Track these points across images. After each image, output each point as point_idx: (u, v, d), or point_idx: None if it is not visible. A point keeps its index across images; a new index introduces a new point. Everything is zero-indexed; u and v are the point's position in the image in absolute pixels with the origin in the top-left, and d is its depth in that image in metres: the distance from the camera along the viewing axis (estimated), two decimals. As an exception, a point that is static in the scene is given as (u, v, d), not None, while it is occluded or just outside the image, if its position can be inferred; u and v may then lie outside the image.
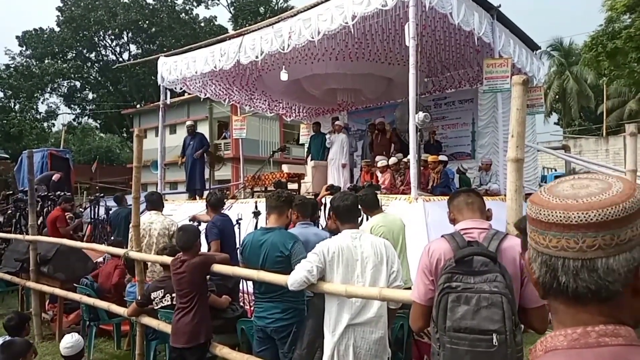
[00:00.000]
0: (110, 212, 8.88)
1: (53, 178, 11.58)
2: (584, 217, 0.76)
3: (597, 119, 30.85)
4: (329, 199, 4.96)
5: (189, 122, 11.30)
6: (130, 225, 4.68)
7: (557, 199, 0.80)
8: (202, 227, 5.32)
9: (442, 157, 9.21)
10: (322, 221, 5.32)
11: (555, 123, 36.15)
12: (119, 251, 4.96)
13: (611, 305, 0.78)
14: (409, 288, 2.74)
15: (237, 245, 5.40)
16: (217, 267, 3.90)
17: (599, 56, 15.87)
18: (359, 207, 4.13)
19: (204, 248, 4.67)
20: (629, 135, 4.81)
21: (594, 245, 0.76)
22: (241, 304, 5.28)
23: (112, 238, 7.04)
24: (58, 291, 5.91)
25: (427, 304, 2.25)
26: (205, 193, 10.36)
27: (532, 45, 10.38)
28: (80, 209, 10.80)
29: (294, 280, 3.06)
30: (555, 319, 0.83)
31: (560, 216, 0.78)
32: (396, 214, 4.75)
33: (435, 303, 2.14)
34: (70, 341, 3.92)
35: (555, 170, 17.71)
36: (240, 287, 5.35)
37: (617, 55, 15.79)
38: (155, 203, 5.60)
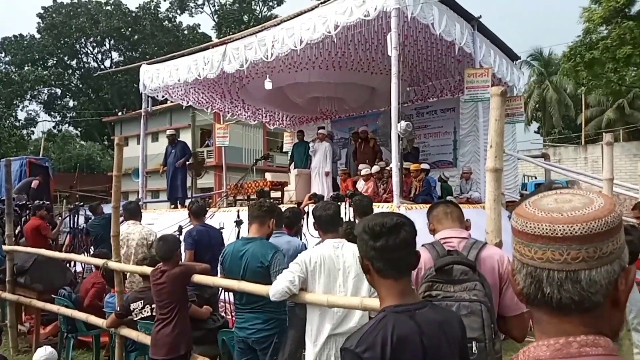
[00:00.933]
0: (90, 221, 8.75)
1: (32, 185, 11.38)
2: (569, 230, 0.79)
3: (577, 128, 31.39)
4: (311, 207, 4.96)
5: (169, 131, 11.20)
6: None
7: (542, 212, 0.83)
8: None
9: (424, 166, 9.28)
10: (305, 229, 5.30)
11: (535, 131, 36.71)
12: (98, 261, 4.88)
13: (592, 316, 0.80)
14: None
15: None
16: (198, 278, 3.86)
17: (578, 66, 16.23)
18: (353, 210, 4.16)
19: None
20: (606, 145, 4.90)
21: (578, 258, 0.78)
22: (222, 314, 5.23)
23: (98, 250, 6.89)
24: (35, 302, 5.79)
25: None
26: (187, 202, 10.29)
27: (512, 55, 10.55)
28: (59, 218, 10.61)
29: (275, 290, 3.04)
30: (537, 329, 0.85)
31: (546, 229, 0.80)
32: None
33: None
34: (44, 354, 3.83)
35: (536, 178, 17.95)
36: (223, 297, 5.31)
37: (594, 66, 16.16)
38: (133, 212, 5.52)
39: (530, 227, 0.82)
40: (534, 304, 0.84)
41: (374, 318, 1.60)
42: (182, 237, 5.54)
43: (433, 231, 2.52)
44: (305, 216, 5.42)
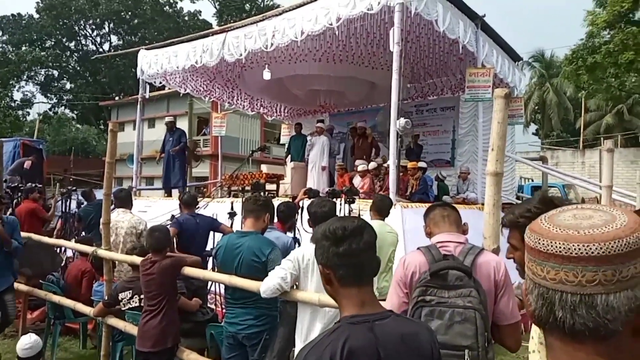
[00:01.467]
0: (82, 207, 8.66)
1: (25, 166, 11.27)
2: (585, 249, 0.72)
3: (575, 132, 31.41)
4: (306, 202, 4.90)
5: (168, 118, 11.06)
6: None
7: (557, 228, 0.76)
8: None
9: (422, 164, 9.23)
10: (299, 225, 5.24)
11: (533, 134, 36.71)
12: (87, 249, 4.81)
13: (609, 345, 0.73)
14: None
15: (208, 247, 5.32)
16: (189, 270, 3.80)
17: (579, 70, 16.18)
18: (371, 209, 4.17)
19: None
20: (606, 152, 4.85)
21: (594, 281, 0.72)
22: (212, 306, 5.18)
23: (82, 236, 6.83)
24: (23, 287, 5.71)
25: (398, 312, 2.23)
26: (186, 189, 10.23)
27: (514, 56, 10.48)
28: (52, 201, 10.52)
29: (266, 287, 2.98)
30: (550, 355, 0.79)
31: (560, 247, 0.74)
32: (394, 228, 4.68)
33: (409, 316, 2.11)
34: (28, 342, 3.76)
35: (533, 180, 17.93)
36: (213, 289, 5.25)
37: (596, 70, 16.11)
38: (124, 200, 5.44)
39: (543, 244, 0.76)
40: (546, 328, 0.78)
41: (328, 328, 1.51)
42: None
43: (429, 234, 2.46)
44: (300, 211, 5.36)
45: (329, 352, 1.38)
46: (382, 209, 4.63)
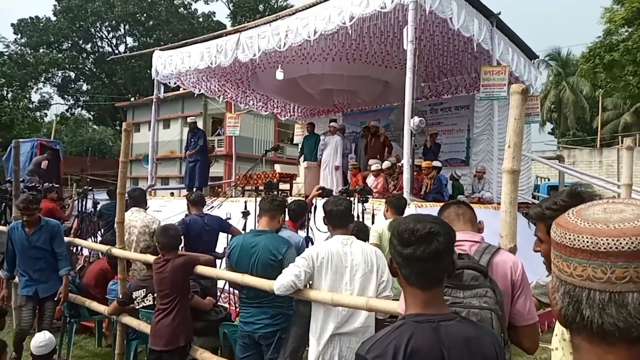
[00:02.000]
0: (99, 205, 8.75)
1: (42, 165, 11.42)
2: (615, 244, 0.68)
3: (592, 131, 30.96)
4: (319, 201, 4.87)
5: (190, 119, 10.97)
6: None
7: (585, 222, 0.72)
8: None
9: (436, 163, 9.15)
10: (312, 224, 5.22)
11: (549, 133, 36.27)
12: (102, 247, 4.84)
13: None
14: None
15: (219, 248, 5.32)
16: (202, 269, 3.80)
17: (596, 68, 15.95)
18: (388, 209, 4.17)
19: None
20: (626, 149, 4.75)
21: (625, 277, 0.67)
22: (226, 305, 5.18)
23: (105, 237, 6.85)
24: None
25: None
26: (204, 190, 10.28)
27: (530, 54, 10.35)
28: (68, 201, 10.64)
29: (280, 284, 2.96)
30: (577, 356, 0.75)
31: (587, 241, 0.70)
32: None
33: None
34: (42, 340, 3.79)
35: (549, 180, 17.71)
36: (228, 288, 5.25)
37: (613, 68, 15.87)
38: (138, 199, 5.46)
39: (570, 238, 0.72)
40: (573, 328, 0.74)
41: (392, 324, 1.50)
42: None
43: None
44: (313, 209, 5.34)
45: (392, 348, 1.37)
46: (400, 208, 4.63)
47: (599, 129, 27.31)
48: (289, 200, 4.91)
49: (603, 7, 16.22)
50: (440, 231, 1.48)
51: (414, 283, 1.48)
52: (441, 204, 3.85)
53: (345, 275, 2.95)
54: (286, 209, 4.04)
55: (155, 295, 3.98)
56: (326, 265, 2.96)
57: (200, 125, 18.93)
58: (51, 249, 4.66)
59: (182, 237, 3.98)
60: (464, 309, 2.03)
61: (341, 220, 3.17)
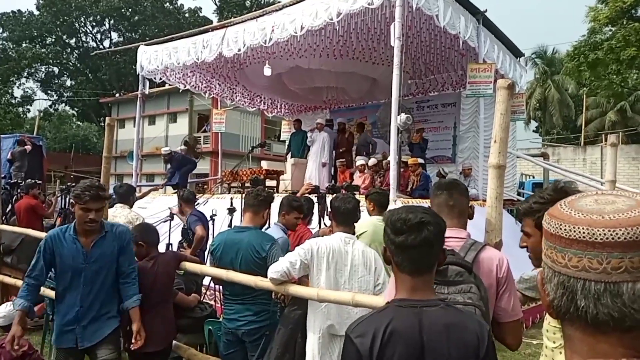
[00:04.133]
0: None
1: (27, 151, 11.31)
2: (611, 234, 0.68)
3: (576, 129, 31.33)
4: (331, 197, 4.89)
5: (164, 150, 10.53)
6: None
7: (579, 213, 0.73)
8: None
9: (420, 160, 9.19)
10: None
11: (534, 131, 36.64)
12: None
13: (635, 336, 0.69)
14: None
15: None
16: (187, 266, 3.76)
17: (581, 66, 16.13)
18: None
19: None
20: (610, 146, 4.79)
21: (620, 268, 0.68)
22: (211, 302, 5.14)
23: None
24: (21, 283, 5.67)
25: None
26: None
27: (515, 52, 10.42)
28: (51, 198, 10.51)
29: (274, 270, 2.93)
30: (568, 346, 0.75)
31: (584, 232, 0.70)
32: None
33: None
34: (3, 311, 3.72)
35: (534, 177, 17.89)
36: (212, 285, 5.22)
37: (597, 66, 16.06)
38: (123, 196, 5.40)
39: (565, 229, 0.72)
40: (566, 319, 0.74)
41: (378, 308, 1.63)
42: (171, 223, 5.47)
43: None
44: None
45: (372, 329, 1.48)
46: (384, 205, 4.56)
47: (583, 127, 27.65)
48: (277, 197, 4.88)
49: (588, 6, 16.40)
50: (430, 221, 1.57)
51: (405, 270, 1.56)
52: (427, 200, 3.84)
53: (345, 273, 2.93)
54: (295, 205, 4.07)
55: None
56: (326, 260, 2.94)
57: (186, 121, 18.85)
58: (115, 268, 3.21)
59: (203, 237, 3.94)
60: None
61: (347, 218, 3.17)
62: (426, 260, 1.57)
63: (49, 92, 39.21)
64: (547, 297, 0.76)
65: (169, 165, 10.54)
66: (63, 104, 40.86)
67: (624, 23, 15.19)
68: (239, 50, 8.63)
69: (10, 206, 9.84)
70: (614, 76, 16.70)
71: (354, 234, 3.22)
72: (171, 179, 10.21)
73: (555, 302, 0.74)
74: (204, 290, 5.23)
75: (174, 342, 3.84)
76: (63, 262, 3.05)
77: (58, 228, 3.25)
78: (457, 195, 2.39)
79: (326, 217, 5.47)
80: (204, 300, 4.70)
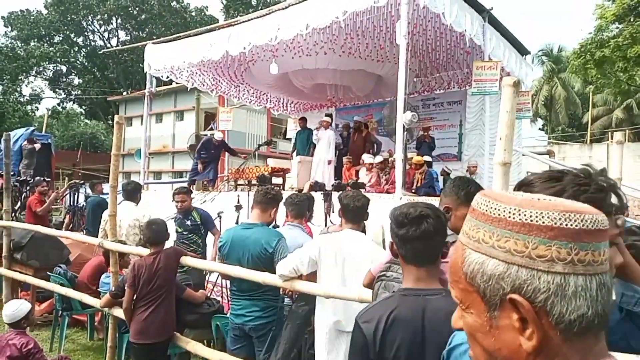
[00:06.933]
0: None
1: (36, 149, 11.42)
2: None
3: (582, 127, 31.17)
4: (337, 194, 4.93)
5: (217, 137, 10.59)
6: (107, 214, 4.56)
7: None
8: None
9: (427, 158, 9.19)
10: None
11: (540, 129, 36.48)
12: (93, 240, 4.84)
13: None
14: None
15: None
16: (193, 262, 3.82)
17: (587, 64, 16.04)
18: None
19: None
20: (616, 143, 4.79)
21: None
22: (218, 298, 5.20)
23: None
24: (30, 279, 5.76)
25: None
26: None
27: (522, 50, 10.38)
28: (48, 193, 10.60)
29: (284, 266, 2.99)
30: None
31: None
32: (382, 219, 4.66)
33: (372, 287, 2.28)
34: (10, 309, 3.79)
35: (539, 175, 17.80)
36: (219, 281, 5.27)
37: (604, 64, 15.97)
38: (131, 193, 5.46)
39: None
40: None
41: (385, 296, 1.78)
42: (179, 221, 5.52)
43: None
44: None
45: (377, 316, 1.59)
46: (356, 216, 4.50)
47: (589, 125, 27.50)
48: (284, 194, 4.93)
49: (596, 4, 16.31)
50: (430, 214, 1.69)
51: (410, 261, 1.68)
52: (433, 197, 3.87)
53: (352, 270, 2.95)
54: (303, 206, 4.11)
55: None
56: (334, 257, 2.97)
57: (193, 119, 18.85)
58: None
59: (167, 231, 3.98)
60: (398, 283, 2.13)
61: (356, 216, 3.18)
62: (428, 251, 1.67)
63: (57, 90, 39.43)
64: None
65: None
66: (71, 102, 41.10)
67: (631, 20, 15.09)
68: (245, 48, 8.67)
69: (19, 203, 9.96)
70: (621, 74, 16.61)
71: (362, 231, 3.25)
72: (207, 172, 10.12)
73: None
74: (211, 287, 5.29)
75: (181, 336, 3.90)
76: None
77: None
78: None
79: (332, 215, 5.52)
80: (212, 297, 4.76)
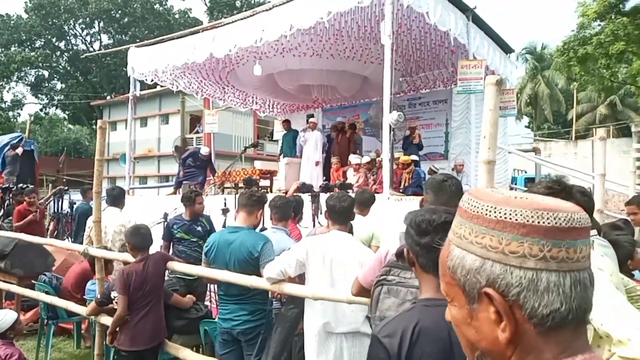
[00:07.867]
0: (75, 205, 8.61)
1: (19, 153, 11.22)
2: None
3: (567, 123, 31.54)
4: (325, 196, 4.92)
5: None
6: (92, 220, 4.49)
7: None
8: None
9: (414, 157, 9.21)
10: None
11: (525, 126, 36.84)
12: (77, 247, 4.76)
13: None
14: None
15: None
16: (182, 267, 3.78)
17: (570, 61, 16.21)
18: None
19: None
20: (599, 140, 4.83)
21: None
22: (207, 302, 5.15)
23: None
24: (15, 288, 5.66)
25: (367, 287, 2.37)
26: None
27: (506, 48, 10.47)
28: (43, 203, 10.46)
29: (271, 269, 2.97)
30: None
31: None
32: (373, 225, 4.65)
33: (371, 293, 2.20)
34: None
35: (526, 172, 17.97)
36: (209, 286, 5.22)
37: (587, 61, 16.16)
38: (116, 199, 5.39)
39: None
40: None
41: (405, 308, 1.68)
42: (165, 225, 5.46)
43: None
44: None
45: (401, 329, 1.49)
46: (366, 202, 4.60)
47: (574, 122, 27.82)
48: (270, 196, 4.90)
49: (578, 1, 16.49)
50: (452, 220, 1.60)
51: (431, 270, 1.57)
52: (420, 197, 3.86)
53: (340, 271, 2.93)
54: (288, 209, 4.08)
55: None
56: (321, 258, 2.95)
57: (178, 122, 18.75)
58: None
59: (152, 237, 3.92)
60: (404, 287, 2.11)
61: (342, 216, 3.17)
62: None
63: (39, 95, 38.92)
64: None
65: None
66: (54, 108, 40.63)
67: (612, 18, 15.28)
68: (230, 50, 8.62)
69: (1, 211, 9.79)
70: (604, 70, 16.81)
71: (349, 232, 3.23)
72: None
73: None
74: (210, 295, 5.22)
75: (170, 343, 3.86)
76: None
77: None
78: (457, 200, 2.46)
79: (320, 216, 5.50)
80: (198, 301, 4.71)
